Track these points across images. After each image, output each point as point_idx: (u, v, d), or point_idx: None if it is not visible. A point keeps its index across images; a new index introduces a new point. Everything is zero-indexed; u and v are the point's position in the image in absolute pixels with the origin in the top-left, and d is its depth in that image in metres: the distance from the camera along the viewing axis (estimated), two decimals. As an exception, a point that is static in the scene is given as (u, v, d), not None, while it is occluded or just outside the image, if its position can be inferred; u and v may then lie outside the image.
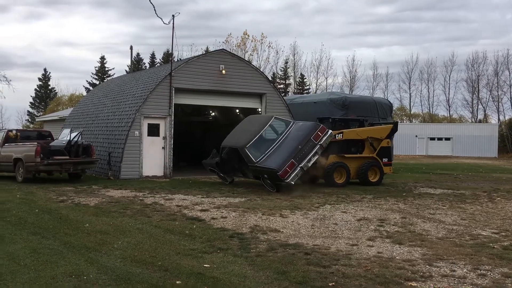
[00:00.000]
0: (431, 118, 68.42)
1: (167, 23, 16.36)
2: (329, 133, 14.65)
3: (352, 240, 8.19)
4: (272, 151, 14.24)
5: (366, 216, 10.49)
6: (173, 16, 17.56)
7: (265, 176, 14.23)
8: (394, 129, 17.90)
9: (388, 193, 15.10)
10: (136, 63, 59.14)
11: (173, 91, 18.79)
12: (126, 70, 56.13)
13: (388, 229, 9.13)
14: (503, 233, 8.94)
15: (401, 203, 12.83)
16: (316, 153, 14.21)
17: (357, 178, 17.12)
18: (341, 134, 16.86)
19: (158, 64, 57.92)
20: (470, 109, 67.25)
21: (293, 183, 13.75)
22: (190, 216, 10.08)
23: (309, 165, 14.04)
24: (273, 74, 64.04)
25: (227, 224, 9.27)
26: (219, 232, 8.46)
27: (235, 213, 10.54)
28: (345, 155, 16.84)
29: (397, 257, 7.09)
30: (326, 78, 74.41)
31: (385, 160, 17.49)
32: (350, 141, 17.19)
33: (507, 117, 63.04)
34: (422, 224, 9.72)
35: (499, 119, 64.16)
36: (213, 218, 9.85)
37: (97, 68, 61.68)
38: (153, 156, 18.55)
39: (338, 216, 10.45)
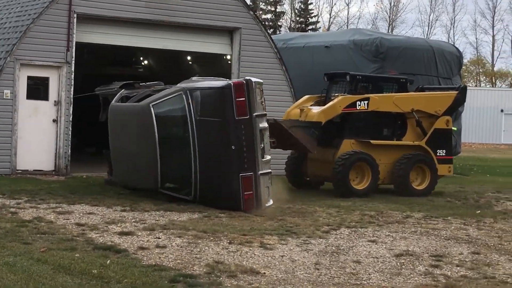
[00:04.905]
0: (528, 81, 69.41)
1: None
2: (253, 83, 14.02)
3: (386, 290, 8.26)
4: (202, 167, 14.01)
5: (412, 250, 10.59)
6: None
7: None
8: (461, 98, 18.13)
9: (450, 209, 15.29)
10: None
11: (75, 20, 18.65)
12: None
13: (449, 273, 9.24)
14: None
15: (472, 227, 12.99)
16: (263, 129, 14.14)
17: (390, 182, 17.41)
18: (365, 102, 17.03)
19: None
20: None
21: (271, 201, 13.77)
22: (100, 243, 10.06)
23: (269, 156, 14.06)
24: (255, -5, 63.99)
25: (166, 259, 9.27)
26: (152, 273, 8.44)
27: (181, 239, 10.54)
28: (372, 141, 17.04)
29: (462, 322, 7.20)
30: (348, 5, 74.49)
31: (441, 153, 17.75)
32: (381, 115, 17.39)
33: None
34: (507, 265, 9.86)
35: None
36: (141, 248, 9.85)
37: None
38: (37, 136, 18.46)
39: (363, 249, 10.53)
